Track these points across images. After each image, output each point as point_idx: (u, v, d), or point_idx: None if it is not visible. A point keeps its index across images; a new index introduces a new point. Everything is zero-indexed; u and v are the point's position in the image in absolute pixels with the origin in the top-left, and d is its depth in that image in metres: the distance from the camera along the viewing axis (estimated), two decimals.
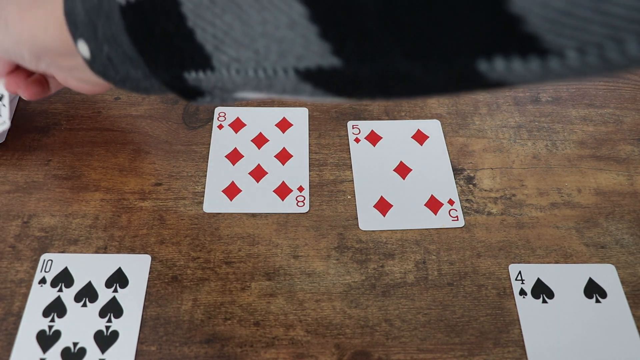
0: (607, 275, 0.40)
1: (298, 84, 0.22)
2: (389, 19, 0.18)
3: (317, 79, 0.22)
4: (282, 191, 0.44)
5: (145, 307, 0.37)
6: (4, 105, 0.42)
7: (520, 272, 0.40)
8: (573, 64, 0.16)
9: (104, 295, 0.37)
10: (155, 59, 0.25)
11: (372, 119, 0.49)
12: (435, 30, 0.17)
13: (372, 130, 0.48)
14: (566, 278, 0.40)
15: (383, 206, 0.43)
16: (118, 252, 0.40)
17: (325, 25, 0.19)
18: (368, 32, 0.18)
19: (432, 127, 0.49)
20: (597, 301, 0.39)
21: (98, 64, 0.27)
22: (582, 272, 0.40)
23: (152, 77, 0.26)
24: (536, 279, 0.40)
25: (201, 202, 0.43)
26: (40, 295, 0.37)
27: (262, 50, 0.21)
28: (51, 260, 0.39)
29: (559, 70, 0.16)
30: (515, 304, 0.38)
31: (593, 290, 0.39)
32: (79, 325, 0.36)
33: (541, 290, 0.39)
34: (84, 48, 0.27)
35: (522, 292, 0.39)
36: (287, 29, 0.20)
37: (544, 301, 0.39)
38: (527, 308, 0.38)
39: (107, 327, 0.36)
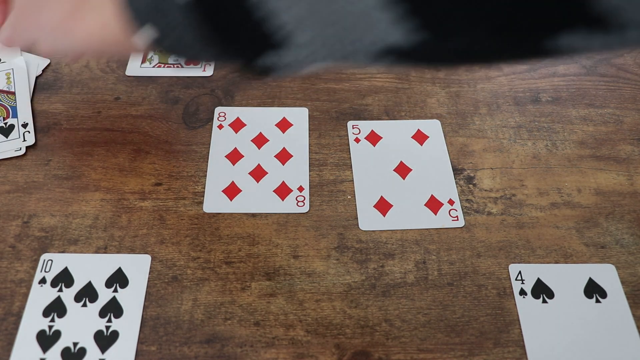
0: (607, 275, 0.40)
1: (375, 61, 0.24)
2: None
3: (394, 56, 0.23)
4: (282, 191, 0.44)
5: (145, 307, 0.37)
6: (28, 132, 0.44)
7: (520, 272, 0.40)
8: (631, 37, 0.20)
9: (104, 295, 0.37)
10: (228, 48, 0.25)
11: (372, 119, 0.49)
12: (518, 13, 0.20)
13: (372, 130, 0.48)
14: (566, 278, 0.40)
15: (383, 206, 0.43)
16: (118, 252, 0.40)
17: (412, 4, 0.20)
18: (453, 12, 0.20)
19: (432, 127, 0.49)
20: (597, 301, 0.39)
21: (166, 44, 0.27)
22: (582, 272, 0.40)
23: (226, 57, 0.26)
24: (536, 279, 0.40)
25: (201, 202, 0.43)
26: (40, 295, 0.37)
27: (334, 37, 0.22)
28: (51, 260, 0.39)
29: (618, 42, 0.20)
30: (515, 304, 0.38)
31: (593, 290, 0.39)
32: (79, 325, 0.36)
33: (541, 290, 0.39)
34: (149, 32, 0.26)
35: (522, 292, 0.39)
36: (360, 16, 0.21)
37: (544, 301, 0.39)
38: (527, 308, 0.38)
39: (107, 327, 0.36)
